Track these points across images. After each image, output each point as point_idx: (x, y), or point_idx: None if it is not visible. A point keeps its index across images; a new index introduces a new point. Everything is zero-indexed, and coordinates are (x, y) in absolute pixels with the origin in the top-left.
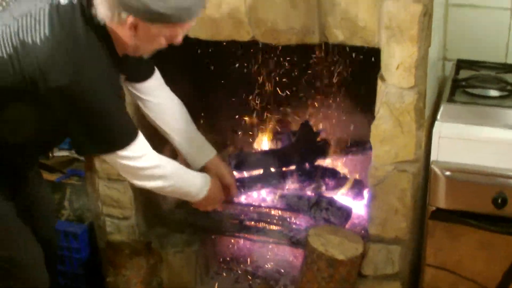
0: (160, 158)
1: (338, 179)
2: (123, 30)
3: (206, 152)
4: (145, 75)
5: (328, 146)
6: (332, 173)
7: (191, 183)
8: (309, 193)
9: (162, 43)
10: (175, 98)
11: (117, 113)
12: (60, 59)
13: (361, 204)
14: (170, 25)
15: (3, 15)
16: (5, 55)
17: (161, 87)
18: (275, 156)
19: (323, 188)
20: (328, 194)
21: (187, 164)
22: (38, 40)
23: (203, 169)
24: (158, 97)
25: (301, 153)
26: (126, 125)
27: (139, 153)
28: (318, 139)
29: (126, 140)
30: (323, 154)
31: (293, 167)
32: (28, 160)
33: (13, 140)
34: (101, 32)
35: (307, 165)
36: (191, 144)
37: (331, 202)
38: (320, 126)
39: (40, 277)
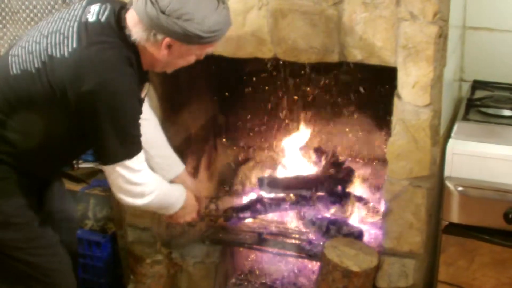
0: (150, 174)
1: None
2: (157, 49)
3: (177, 166)
4: None
5: (352, 173)
6: (359, 199)
7: (172, 195)
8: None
9: (191, 60)
10: (152, 112)
11: (136, 121)
12: (87, 67)
13: (375, 223)
14: (203, 45)
15: (33, 33)
16: (33, 70)
17: (145, 100)
18: (304, 181)
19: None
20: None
21: None
22: (66, 53)
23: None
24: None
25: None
26: (140, 136)
27: (139, 167)
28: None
29: (138, 149)
30: (348, 181)
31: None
32: (54, 169)
33: (41, 150)
34: (130, 47)
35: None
36: (164, 159)
37: (340, 228)
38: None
39: (67, 282)
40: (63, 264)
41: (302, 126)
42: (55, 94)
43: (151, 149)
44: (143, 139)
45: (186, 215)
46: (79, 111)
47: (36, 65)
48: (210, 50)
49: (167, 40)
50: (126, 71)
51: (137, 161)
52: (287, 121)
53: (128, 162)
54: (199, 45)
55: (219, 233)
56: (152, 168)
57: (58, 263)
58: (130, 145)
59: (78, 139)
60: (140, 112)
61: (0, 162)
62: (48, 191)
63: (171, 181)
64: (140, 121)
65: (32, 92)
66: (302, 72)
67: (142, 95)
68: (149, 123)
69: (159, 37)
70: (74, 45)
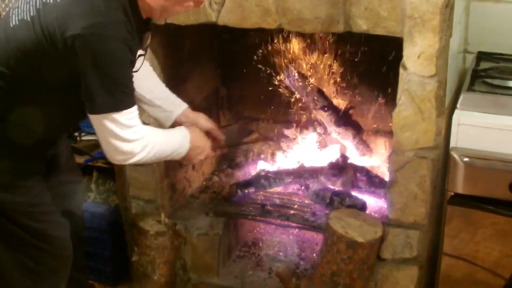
0: (144, 128)
1: (369, 176)
2: None
3: (179, 105)
4: None
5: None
6: (362, 170)
7: (172, 141)
8: (334, 187)
9: (189, 5)
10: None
11: (126, 70)
12: (75, 11)
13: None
14: None
15: None
16: (28, 18)
17: None
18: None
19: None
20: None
21: (160, 125)
22: None
23: (177, 124)
24: None
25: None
26: (131, 89)
27: (130, 123)
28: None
29: (127, 103)
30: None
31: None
32: (59, 129)
33: (44, 105)
34: None
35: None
36: (164, 100)
37: (343, 200)
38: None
39: (67, 249)
40: (64, 232)
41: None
42: (45, 38)
43: (148, 94)
44: (138, 85)
45: (198, 155)
46: (67, 57)
47: (32, 13)
48: None
49: None
50: (118, 17)
51: (128, 116)
52: (290, 93)
53: (116, 116)
54: None
55: (223, 205)
56: (154, 114)
57: (60, 231)
58: (119, 96)
59: (75, 91)
60: (130, 63)
61: (2, 121)
62: (56, 160)
63: (177, 123)
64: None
65: (26, 41)
66: (305, 42)
67: (144, 45)
68: (143, 72)
69: None
70: None
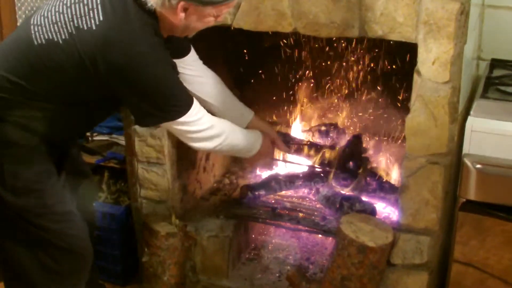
0: (213, 118)
1: (379, 182)
2: (173, 13)
3: (246, 114)
4: (183, 52)
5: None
6: (373, 175)
7: (245, 139)
8: (345, 192)
9: (210, 22)
10: (209, 70)
11: (173, 82)
12: (115, 39)
13: (388, 200)
14: (218, 6)
15: (54, 3)
16: (60, 41)
17: (198, 62)
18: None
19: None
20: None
21: None
22: (93, 25)
23: None
24: (195, 70)
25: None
26: (183, 92)
27: (195, 117)
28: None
29: (185, 107)
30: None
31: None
32: (73, 136)
33: (62, 115)
34: (151, 16)
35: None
36: (231, 109)
37: (353, 205)
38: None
39: (85, 247)
40: (80, 230)
41: (317, 102)
42: (85, 64)
43: (217, 103)
44: (199, 92)
45: (262, 159)
46: (111, 82)
47: (63, 36)
48: (227, 10)
49: (182, 3)
50: (154, 40)
51: (192, 113)
52: (302, 97)
53: (181, 119)
54: (213, 5)
55: (233, 207)
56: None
57: (76, 229)
58: (173, 108)
59: (100, 105)
60: (174, 71)
61: (21, 128)
62: (67, 159)
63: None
64: (189, 77)
65: (61, 61)
66: (317, 46)
67: None
68: (208, 80)
69: (174, 1)
70: (101, 17)
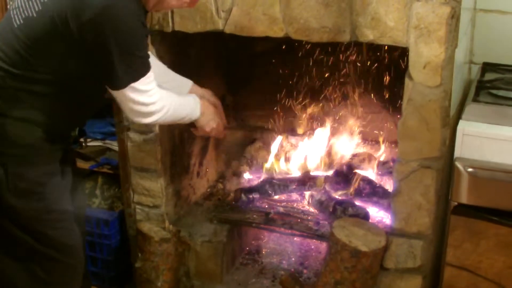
0: (161, 90)
1: (373, 187)
2: None
3: (185, 83)
4: None
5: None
6: (367, 181)
7: (186, 104)
8: (338, 197)
9: (185, 1)
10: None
11: (141, 42)
12: None
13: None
14: None
15: None
16: (34, 14)
17: None
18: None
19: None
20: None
21: None
22: None
23: None
24: None
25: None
26: (147, 57)
27: (146, 87)
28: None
29: (144, 70)
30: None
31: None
32: (76, 121)
33: (61, 97)
34: None
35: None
36: (170, 81)
37: (346, 209)
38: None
39: (80, 259)
40: (78, 241)
41: (310, 107)
42: (58, 27)
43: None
44: None
45: (210, 122)
46: (84, 41)
47: (37, 8)
48: None
49: None
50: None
51: (145, 82)
52: (295, 102)
53: (135, 84)
54: None
55: (227, 212)
56: None
57: (74, 239)
58: (137, 67)
59: (91, 77)
60: (145, 36)
61: (22, 122)
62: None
63: None
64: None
65: (37, 34)
66: (310, 51)
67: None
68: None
69: None
70: None
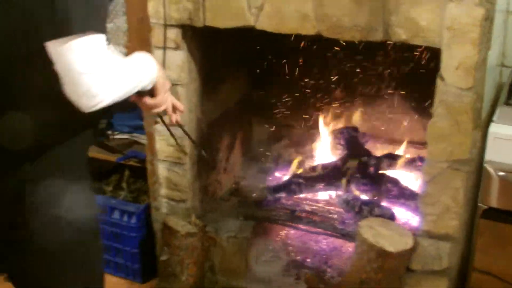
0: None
1: (399, 188)
2: None
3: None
4: None
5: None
6: (394, 182)
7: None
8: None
9: None
10: None
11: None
12: None
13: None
14: None
15: None
16: None
17: None
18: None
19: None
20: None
21: None
22: None
23: None
24: None
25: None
26: (104, 19)
27: (97, 49)
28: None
29: (104, 26)
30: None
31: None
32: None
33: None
34: None
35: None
36: None
37: (372, 209)
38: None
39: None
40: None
41: (337, 105)
42: None
43: None
44: None
45: (166, 83)
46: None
47: None
48: None
49: None
50: None
51: (98, 42)
52: (322, 99)
53: (96, 40)
54: None
55: (253, 209)
56: None
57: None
58: (99, 20)
59: None
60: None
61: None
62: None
63: None
64: None
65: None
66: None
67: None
68: None
69: None
70: None
